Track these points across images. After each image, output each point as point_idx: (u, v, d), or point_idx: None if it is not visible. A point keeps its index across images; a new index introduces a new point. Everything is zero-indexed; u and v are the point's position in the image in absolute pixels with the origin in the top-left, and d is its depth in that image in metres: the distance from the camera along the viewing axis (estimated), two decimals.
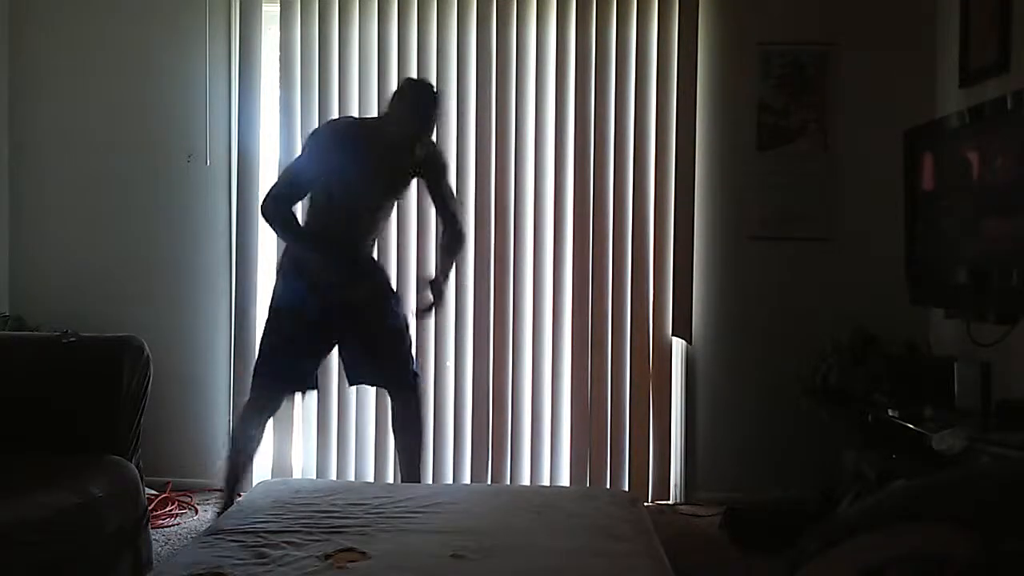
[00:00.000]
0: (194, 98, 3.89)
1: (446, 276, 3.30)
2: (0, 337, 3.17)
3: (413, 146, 3.01)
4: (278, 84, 3.87)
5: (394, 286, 3.41)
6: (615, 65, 3.80)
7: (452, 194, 3.32)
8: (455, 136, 3.82)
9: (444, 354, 3.86)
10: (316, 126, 3.58)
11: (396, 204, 3.36)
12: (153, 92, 3.93)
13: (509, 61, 3.82)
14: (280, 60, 3.86)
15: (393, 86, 3.78)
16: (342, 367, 3.34)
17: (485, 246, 3.83)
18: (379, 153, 2.98)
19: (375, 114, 3.62)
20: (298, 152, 3.39)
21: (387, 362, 3.20)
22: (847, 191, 3.79)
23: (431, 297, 3.20)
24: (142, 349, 2.71)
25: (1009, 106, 2.79)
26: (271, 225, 3.04)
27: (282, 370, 3.12)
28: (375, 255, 3.37)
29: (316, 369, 3.25)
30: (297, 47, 3.84)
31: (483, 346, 3.84)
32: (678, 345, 3.87)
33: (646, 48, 3.81)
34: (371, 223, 3.16)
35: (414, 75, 3.72)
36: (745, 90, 3.81)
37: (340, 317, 3.09)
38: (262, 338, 3.16)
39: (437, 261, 3.37)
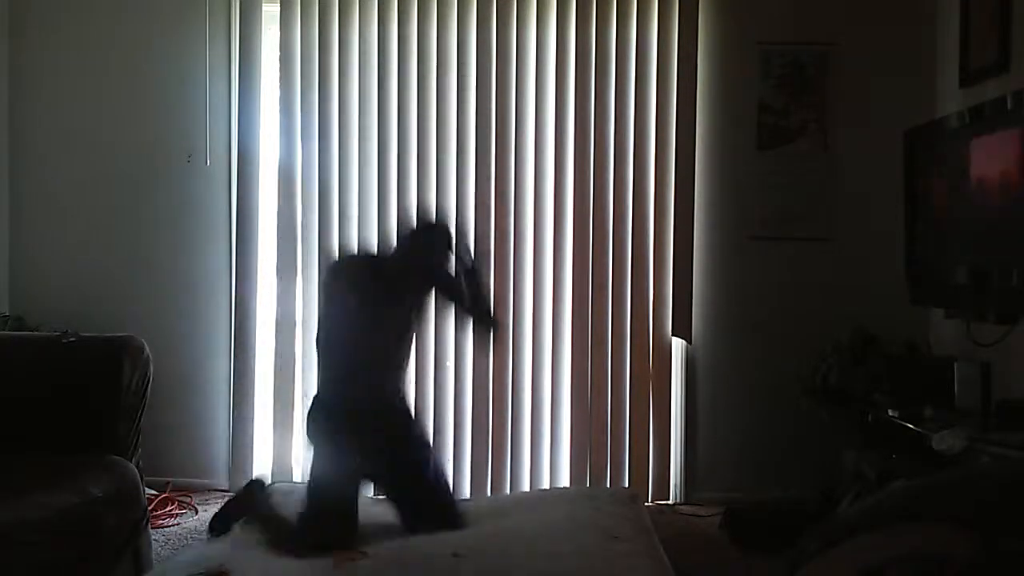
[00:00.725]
0: (194, 98, 3.89)
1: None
2: (0, 337, 3.17)
3: (424, 288, 2.83)
4: (278, 84, 3.87)
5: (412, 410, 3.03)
6: (615, 65, 3.80)
7: (464, 297, 2.94)
8: (455, 136, 3.82)
9: (444, 354, 3.86)
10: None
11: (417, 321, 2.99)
12: (153, 92, 3.93)
13: (509, 61, 3.82)
14: (280, 60, 3.86)
15: (393, 86, 3.81)
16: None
17: (485, 247, 3.82)
18: (383, 297, 2.75)
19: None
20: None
21: (432, 506, 2.71)
22: (847, 191, 3.79)
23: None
24: (142, 349, 2.71)
25: (1009, 106, 2.79)
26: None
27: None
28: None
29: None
30: (297, 47, 3.84)
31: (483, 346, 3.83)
32: (678, 345, 3.87)
33: (646, 48, 3.81)
34: (386, 358, 2.81)
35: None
36: (745, 90, 3.81)
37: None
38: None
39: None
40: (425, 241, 2.87)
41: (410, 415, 2.90)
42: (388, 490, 2.78)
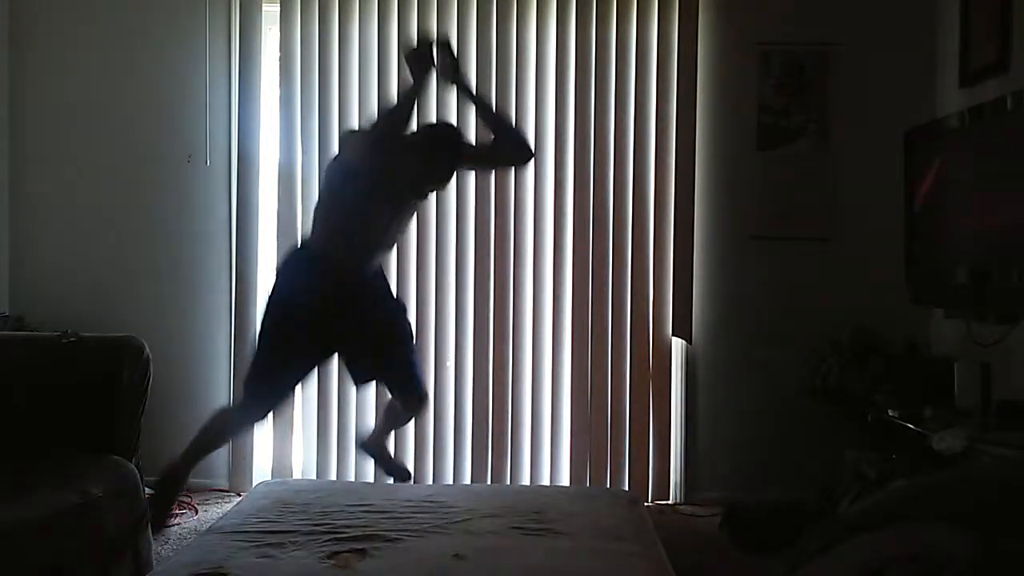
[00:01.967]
0: (194, 98, 3.89)
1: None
2: (0, 337, 3.17)
3: (431, 188, 3.04)
4: (278, 84, 3.87)
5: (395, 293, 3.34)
6: (615, 65, 3.80)
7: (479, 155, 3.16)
8: None
9: (444, 354, 3.86)
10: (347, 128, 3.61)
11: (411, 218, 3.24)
12: (153, 92, 3.92)
13: (509, 61, 3.82)
14: (280, 60, 3.86)
15: (393, 86, 3.80)
16: (346, 370, 3.23)
17: (485, 246, 3.82)
18: (395, 187, 2.87)
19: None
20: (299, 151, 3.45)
21: (392, 358, 3.07)
22: (847, 191, 3.79)
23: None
24: (142, 349, 2.71)
25: (1009, 106, 2.79)
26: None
27: (283, 386, 3.03)
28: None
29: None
30: (297, 47, 3.84)
31: (483, 346, 3.84)
32: (678, 345, 3.87)
33: (646, 48, 3.81)
34: (381, 244, 3.04)
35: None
36: (745, 90, 3.81)
37: (338, 324, 2.95)
38: (260, 350, 2.96)
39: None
40: (433, 151, 2.90)
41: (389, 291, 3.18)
42: (374, 363, 3.03)
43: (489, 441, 3.84)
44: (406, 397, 3.15)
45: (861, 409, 3.21)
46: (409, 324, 3.23)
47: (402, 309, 3.21)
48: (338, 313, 2.88)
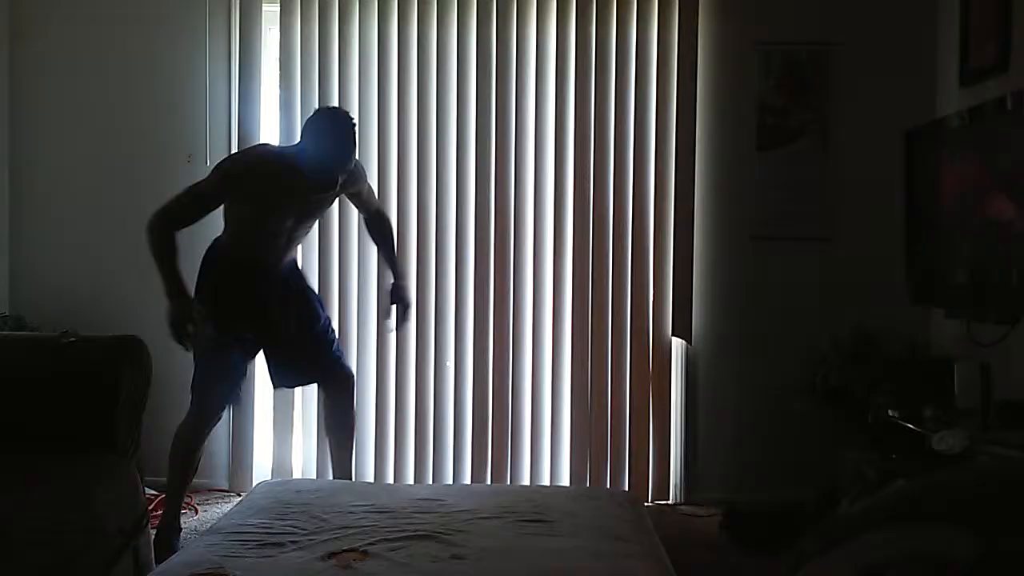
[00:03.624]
0: (194, 98, 3.89)
1: (400, 274, 3.35)
2: (0, 337, 3.17)
3: (335, 179, 2.92)
4: (278, 84, 3.87)
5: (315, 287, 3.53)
6: (615, 65, 3.80)
7: (372, 193, 3.39)
8: (455, 136, 3.82)
9: (444, 354, 3.86)
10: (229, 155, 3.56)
11: (317, 220, 3.32)
12: (153, 92, 3.92)
13: (509, 61, 3.82)
14: (280, 60, 3.86)
15: (393, 86, 3.81)
16: (269, 371, 3.27)
17: (485, 246, 3.83)
18: (297, 187, 2.89)
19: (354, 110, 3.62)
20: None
21: (317, 359, 3.20)
22: (847, 191, 3.79)
23: (401, 306, 3.27)
24: (142, 349, 2.71)
25: (1009, 106, 2.79)
26: (150, 239, 2.85)
27: (228, 388, 3.14)
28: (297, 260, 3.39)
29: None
30: (297, 47, 3.84)
31: (483, 346, 3.84)
32: (678, 345, 3.87)
33: (646, 48, 3.81)
34: (290, 242, 3.12)
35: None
36: (745, 90, 3.81)
37: (263, 328, 3.08)
38: (200, 354, 3.05)
39: (385, 262, 3.43)
40: (332, 134, 2.87)
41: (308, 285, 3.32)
42: (288, 348, 3.11)
43: (489, 441, 3.84)
44: (330, 378, 3.22)
45: (861, 409, 3.21)
46: (328, 320, 3.31)
47: (315, 296, 3.31)
48: (262, 310, 3.04)
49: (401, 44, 3.82)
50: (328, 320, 3.31)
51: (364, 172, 3.22)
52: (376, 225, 3.36)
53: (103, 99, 3.93)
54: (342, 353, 3.34)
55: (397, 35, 3.82)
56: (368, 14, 3.83)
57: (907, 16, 3.77)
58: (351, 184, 3.08)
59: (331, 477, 3.33)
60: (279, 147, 3.36)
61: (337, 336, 3.40)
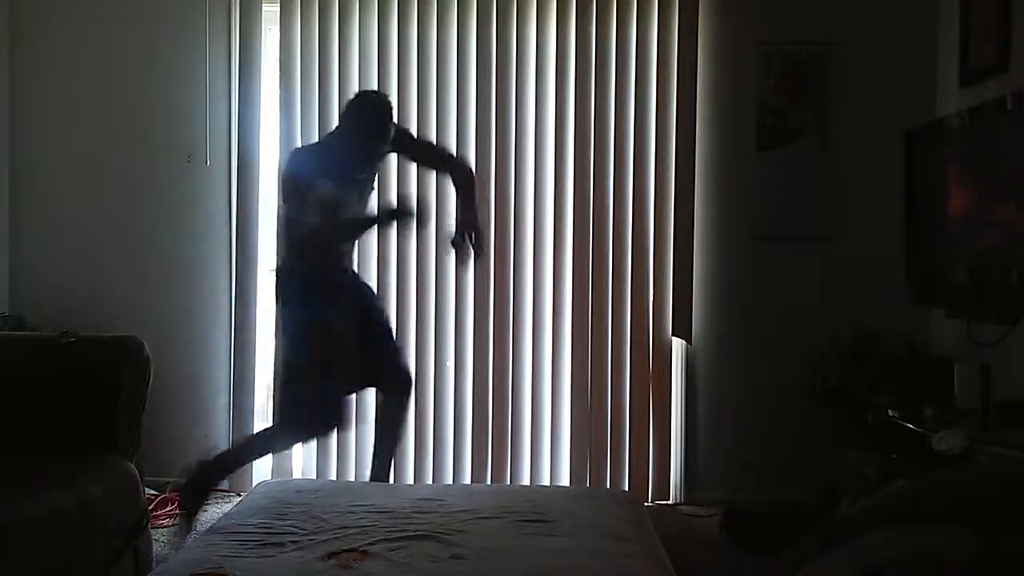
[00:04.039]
0: (194, 98, 3.89)
1: (473, 216, 3.26)
2: (0, 337, 3.17)
3: (375, 155, 3.11)
4: (278, 84, 3.87)
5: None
6: (615, 65, 3.80)
7: (431, 145, 3.47)
8: (455, 136, 3.82)
9: (444, 354, 3.85)
10: (289, 154, 3.58)
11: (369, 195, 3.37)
12: (153, 92, 3.92)
13: (509, 61, 3.82)
14: (280, 60, 3.86)
15: (394, 86, 3.81)
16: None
17: (485, 246, 3.82)
18: (345, 172, 3.02)
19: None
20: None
21: (382, 356, 3.24)
22: (847, 191, 3.79)
23: (469, 247, 3.21)
24: (142, 349, 2.71)
25: (1009, 106, 2.79)
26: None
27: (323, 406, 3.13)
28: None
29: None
30: (297, 47, 3.84)
31: (483, 346, 3.84)
32: (678, 345, 3.87)
33: (646, 48, 3.81)
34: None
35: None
36: (745, 90, 3.81)
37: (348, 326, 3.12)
38: (285, 377, 3.15)
39: (457, 208, 3.32)
40: (368, 115, 3.03)
41: (368, 285, 3.45)
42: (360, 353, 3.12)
43: (489, 441, 3.84)
44: (395, 380, 3.28)
45: (861, 409, 3.21)
46: (388, 316, 3.45)
47: (376, 297, 3.45)
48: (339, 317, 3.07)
49: (401, 44, 3.82)
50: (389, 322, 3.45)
51: (408, 134, 3.33)
52: (454, 176, 3.33)
53: (103, 99, 3.93)
54: (408, 368, 3.46)
55: (397, 35, 3.82)
56: (368, 14, 3.83)
57: (907, 16, 3.77)
58: (401, 149, 3.23)
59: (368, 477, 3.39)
60: (319, 141, 3.61)
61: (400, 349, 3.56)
